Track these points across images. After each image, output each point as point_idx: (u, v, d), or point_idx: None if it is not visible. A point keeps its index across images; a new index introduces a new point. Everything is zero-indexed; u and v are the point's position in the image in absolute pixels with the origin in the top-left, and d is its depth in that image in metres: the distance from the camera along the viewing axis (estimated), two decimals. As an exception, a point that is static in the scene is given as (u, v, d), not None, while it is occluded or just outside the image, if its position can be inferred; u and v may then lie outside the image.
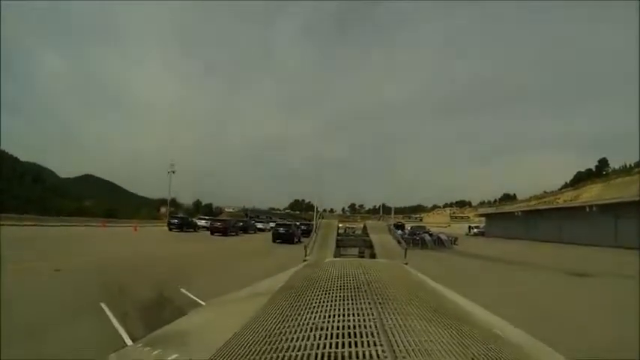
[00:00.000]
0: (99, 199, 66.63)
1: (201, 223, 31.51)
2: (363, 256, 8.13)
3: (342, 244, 8.25)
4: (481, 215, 56.96)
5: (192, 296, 6.71)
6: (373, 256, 7.44)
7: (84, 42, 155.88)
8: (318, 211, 12.04)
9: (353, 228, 14.47)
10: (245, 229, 33.54)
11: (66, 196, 65.30)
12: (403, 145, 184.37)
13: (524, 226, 37.78)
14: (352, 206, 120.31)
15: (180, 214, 34.11)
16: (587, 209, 29.67)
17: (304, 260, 5.36)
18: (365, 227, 10.21)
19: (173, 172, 48.10)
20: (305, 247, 6.71)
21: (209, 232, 27.96)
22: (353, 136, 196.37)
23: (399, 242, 7.99)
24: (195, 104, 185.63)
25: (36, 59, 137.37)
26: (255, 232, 34.71)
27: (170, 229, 28.82)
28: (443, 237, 25.58)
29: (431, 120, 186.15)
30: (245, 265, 11.85)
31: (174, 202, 74.59)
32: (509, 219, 41.62)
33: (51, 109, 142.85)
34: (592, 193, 51.60)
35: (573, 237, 29.51)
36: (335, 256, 6.56)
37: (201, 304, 5.18)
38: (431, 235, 26.03)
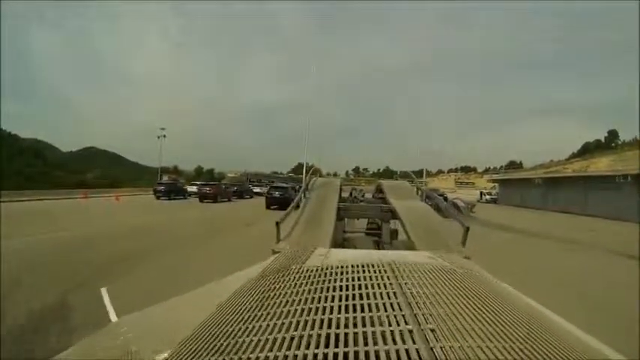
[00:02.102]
0: (101, 171, 64.28)
1: (192, 189, 28.27)
2: (379, 237, 4.72)
3: (347, 214, 4.58)
4: (494, 181, 52.38)
5: (108, 306, 4.42)
6: (395, 235, 4.30)
7: (79, 13, 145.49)
8: (310, 167, 7.98)
9: (361, 190, 10.30)
10: (240, 194, 30.41)
11: (68, 169, 62.93)
12: (407, 111, 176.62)
13: (544, 194, 33.39)
14: (356, 169, 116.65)
15: (168, 180, 30.80)
16: (619, 179, 24.61)
17: (274, 252, 2.50)
18: (379, 189, 6.52)
19: (164, 137, 44.49)
20: (277, 225, 3.15)
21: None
22: (357, 101, 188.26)
23: (442, 213, 4.27)
24: (196, 71, 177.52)
25: (31, 33, 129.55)
26: (251, 197, 31.60)
27: (157, 197, 25.70)
28: (460, 203, 21.97)
29: (435, 85, 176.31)
30: (213, 246, 8.55)
31: (176, 170, 71.91)
32: (527, 186, 37.06)
33: (50, 84, 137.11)
34: (603, 165, 46.87)
35: (601, 209, 24.92)
36: (336, 240, 3.49)
37: (111, 322, 3.47)
38: (445, 200, 22.50)
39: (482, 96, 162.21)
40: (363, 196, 8.04)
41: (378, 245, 3.92)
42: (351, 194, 8.10)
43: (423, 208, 4.21)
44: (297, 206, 4.31)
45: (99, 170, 64.33)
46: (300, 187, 5.47)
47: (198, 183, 29.75)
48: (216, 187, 26.06)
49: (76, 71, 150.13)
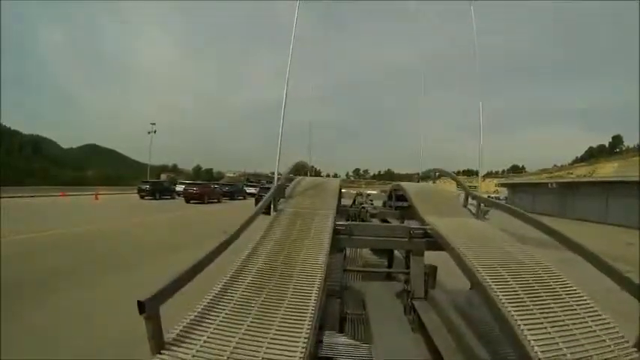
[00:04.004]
0: (101, 168, 62.48)
1: (180, 188, 25.93)
2: (392, 275, 3.05)
3: (351, 241, 2.47)
4: (502, 185, 49.65)
5: None
6: (432, 278, 2.45)
7: (82, 10, 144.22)
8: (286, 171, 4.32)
9: (369, 196, 6.33)
10: (232, 195, 28.02)
11: (67, 166, 61.20)
12: (407, 113, 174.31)
13: (559, 200, 30.16)
14: (357, 171, 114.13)
15: (155, 179, 28.49)
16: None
17: None
18: (397, 195, 4.41)
19: (154, 132, 42.34)
20: (141, 309, 0.87)
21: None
22: (357, 102, 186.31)
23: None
24: (198, 70, 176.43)
25: (36, 30, 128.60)
26: (244, 198, 29.18)
27: (142, 197, 23.39)
28: (471, 208, 19.38)
29: (436, 87, 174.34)
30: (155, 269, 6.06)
31: (175, 168, 69.98)
32: (540, 191, 34.02)
33: (53, 80, 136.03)
34: (608, 170, 44.22)
35: (623, 218, 21.85)
36: (330, 289, 1.94)
37: None
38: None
39: (483, 99, 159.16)
40: (371, 203, 5.27)
41: (403, 297, 2.26)
42: (354, 202, 5.40)
43: (494, 235, 2.21)
44: (267, 211, 2.41)
45: (97, 167, 62.44)
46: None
47: (186, 182, 27.42)
48: (204, 187, 23.70)
49: (79, 68, 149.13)
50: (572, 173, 59.12)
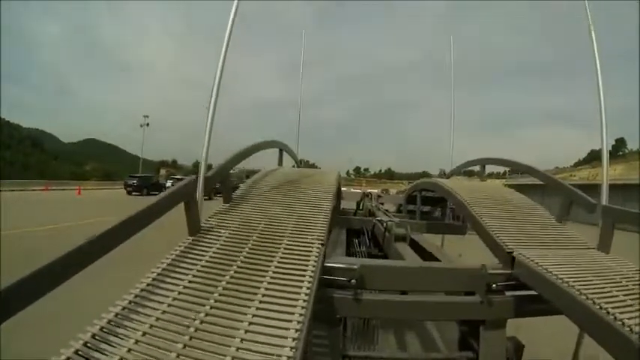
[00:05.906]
0: (100, 163, 61.73)
1: (169, 184, 24.77)
2: None
3: (363, 306, 1.15)
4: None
5: None
6: None
7: (83, 6, 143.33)
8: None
9: (380, 197, 4.94)
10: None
11: (67, 160, 60.40)
12: (407, 112, 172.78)
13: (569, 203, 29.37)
14: (357, 169, 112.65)
15: (143, 174, 27.20)
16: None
17: None
18: (423, 197, 3.27)
19: (147, 125, 41.28)
20: None
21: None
22: (358, 100, 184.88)
23: None
24: (199, 66, 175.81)
25: (37, 24, 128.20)
26: (237, 195, 27.94)
27: (128, 193, 22.16)
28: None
29: (437, 87, 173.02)
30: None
31: (174, 164, 68.86)
32: (547, 193, 33.18)
33: (54, 74, 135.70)
34: (612, 173, 42.19)
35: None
36: None
37: None
38: None
39: (485, 100, 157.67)
40: (385, 209, 3.69)
41: None
42: (359, 206, 3.80)
43: None
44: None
45: (97, 162, 61.58)
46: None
47: (175, 177, 26.18)
48: (192, 183, 22.38)
49: (81, 63, 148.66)
50: (574, 175, 57.64)
